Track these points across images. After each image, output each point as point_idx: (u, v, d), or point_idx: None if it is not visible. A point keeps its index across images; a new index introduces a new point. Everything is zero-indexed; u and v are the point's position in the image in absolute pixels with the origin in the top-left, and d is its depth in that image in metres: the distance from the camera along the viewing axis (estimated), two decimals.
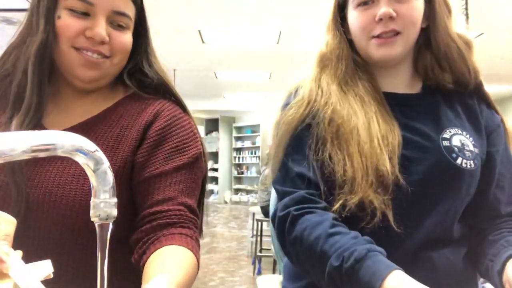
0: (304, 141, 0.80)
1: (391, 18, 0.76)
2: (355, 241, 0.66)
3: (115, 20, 0.75)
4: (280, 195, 0.79)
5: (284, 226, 0.74)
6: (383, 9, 0.76)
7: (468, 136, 0.80)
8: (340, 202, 0.73)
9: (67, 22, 0.72)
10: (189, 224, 0.70)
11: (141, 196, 0.72)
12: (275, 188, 0.82)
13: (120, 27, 0.76)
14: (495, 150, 0.82)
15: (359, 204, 0.72)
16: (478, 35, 4.70)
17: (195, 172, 0.76)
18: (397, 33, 0.77)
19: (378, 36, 0.78)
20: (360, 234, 0.72)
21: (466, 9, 2.88)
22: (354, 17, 0.82)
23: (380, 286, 0.59)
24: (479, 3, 4.00)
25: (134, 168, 0.74)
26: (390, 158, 0.74)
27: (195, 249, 0.68)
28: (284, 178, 0.80)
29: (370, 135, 0.75)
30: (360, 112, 0.78)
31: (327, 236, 0.67)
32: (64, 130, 0.74)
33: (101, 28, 0.72)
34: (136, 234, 0.70)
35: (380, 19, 0.76)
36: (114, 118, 0.79)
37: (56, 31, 0.72)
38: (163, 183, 0.72)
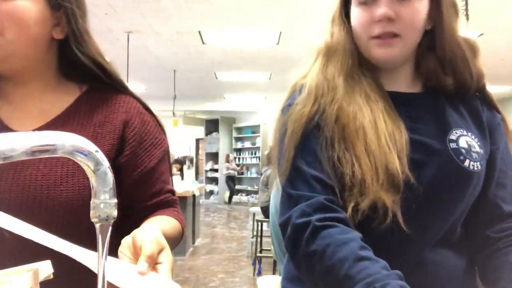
0: (315, 142, 0.76)
1: (390, 19, 0.74)
2: (387, 273, 0.60)
3: None
4: (294, 199, 0.73)
5: (301, 235, 0.69)
6: (382, 9, 0.74)
7: (473, 137, 0.79)
8: (352, 205, 0.70)
9: None
10: (174, 203, 0.85)
11: (135, 192, 0.80)
12: (286, 192, 0.76)
13: None
14: (496, 147, 0.81)
15: (370, 205, 0.70)
16: (478, 36, 4.70)
17: (168, 160, 0.87)
18: (395, 35, 0.75)
19: (378, 37, 0.76)
20: (372, 235, 0.70)
21: (466, 9, 2.88)
22: (355, 14, 0.79)
23: None
24: (479, 3, 4.00)
25: (121, 169, 0.78)
26: (399, 157, 0.72)
27: (181, 219, 0.82)
28: (297, 180, 0.75)
29: (377, 134, 0.73)
30: (366, 110, 0.75)
31: (356, 260, 0.62)
32: (35, 130, 0.74)
33: None
34: (134, 222, 0.77)
35: (379, 20, 0.75)
36: (83, 116, 0.79)
37: None
38: (152, 178, 0.81)
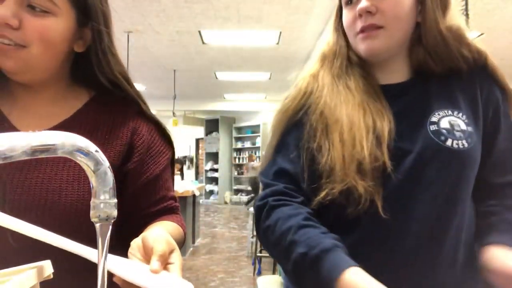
0: (294, 135, 0.82)
1: (370, 13, 0.77)
2: (324, 235, 0.69)
3: (32, 3, 0.68)
4: (263, 187, 0.82)
5: (260, 215, 0.78)
6: (360, 4, 0.78)
7: (461, 115, 0.78)
8: (326, 191, 0.74)
9: None
10: (176, 210, 0.86)
11: (140, 198, 0.81)
12: (259, 180, 0.85)
13: (41, 12, 0.68)
14: (497, 130, 0.81)
15: (343, 192, 0.73)
16: (478, 36, 4.70)
17: (171, 167, 0.89)
18: (379, 27, 0.78)
19: (362, 31, 0.79)
20: (346, 221, 0.75)
21: (466, 9, 2.88)
22: (344, 16, 0.84)
23: (338, 278, 0.62)
24: (479, 3, 4.00)
25: (128, 175, 0.79)
26: (377, 145, 0.74)
27: (183, 225, 0.84)
28: (269, 170, 0.83)
29: (351, 124, 0.76)
30: (347, 104, 0.79)
31: (298, 227, 0.70)
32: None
33: (2, 9, 0.66)
34: (136, 228, 0.77)
35: (360, 15, 0.78)
36: (92, 122, 0.79)
37: None
38: (157, 185, 0.83)
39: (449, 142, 0.75)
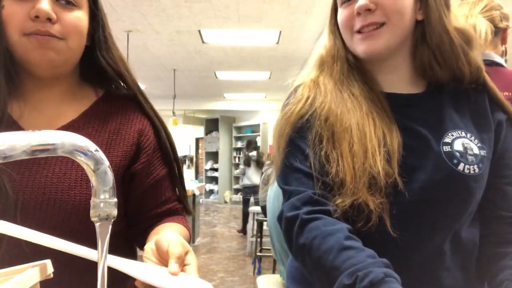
0: (305, 139, 0.78)
1: (369, 10, 0.74)
2: (372, 261, 0.61)
3: None
4: (287, 194, 0.76)
5: (292, 229, 0.71)
6: (359, 1, 0.75)
7: (473, 138, 0.77)
8: (336, 203, 0.71)
9: (11, 10, 0.69)
10: (181, 211, 0.88)
11: (146, 199, 0.82)
12: (280, 187, 0.79)
13: (69, 5, 0.73)
14: (504, 150, 0.79)
15: (354, 206, 0.70)
16: None
17: (176, 169, 0.90)
18: (381, 25, 0.75)
19: (360, 31, 0.77)
20: (364, 238, 0.69)
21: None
22: (339, 14, 0.81)
23: None
24: None
25: (135, 175, 0.80)
26: (387, 160, 0.72)
27: (188, 226, 0.84)
28: (289, 176, 0.77)
29: (362, 136, 0.73)
30: (354, 112, 0.76)
31: (340, 249, 0.63)
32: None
33: (43, 3, 0.69)
34: (142, 229, 0.80)
35: (359, 13, 0.75)
36: (99, 122, 0.80)
37: (3, 21, 0.70)
38: (163, 186, 0.84)
39: (461, 167, 0.73)
